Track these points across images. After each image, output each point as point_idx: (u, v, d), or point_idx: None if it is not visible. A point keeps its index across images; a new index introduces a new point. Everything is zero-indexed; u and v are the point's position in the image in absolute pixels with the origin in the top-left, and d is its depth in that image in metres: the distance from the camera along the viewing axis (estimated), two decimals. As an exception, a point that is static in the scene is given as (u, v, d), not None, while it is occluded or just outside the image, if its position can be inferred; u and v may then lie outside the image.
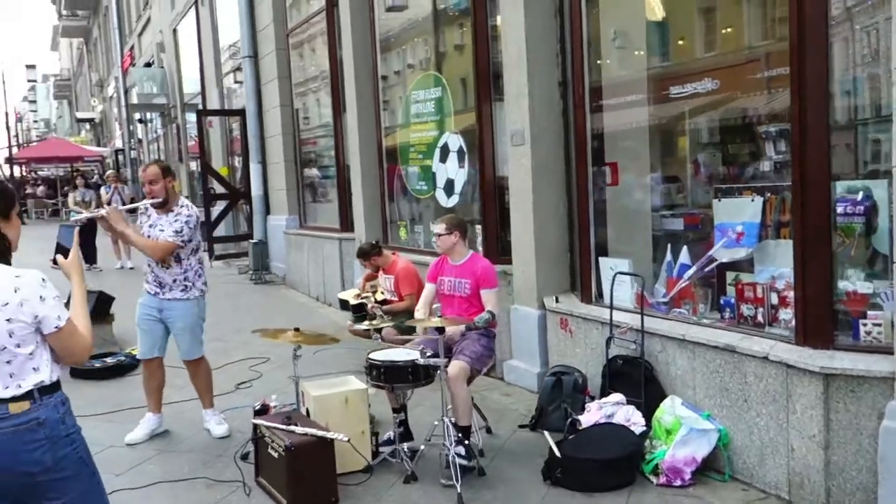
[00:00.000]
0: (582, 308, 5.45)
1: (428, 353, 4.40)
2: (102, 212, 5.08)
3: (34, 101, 52.94)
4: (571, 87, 5.70)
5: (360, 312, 6.95)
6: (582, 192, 5.64)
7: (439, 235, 4.87)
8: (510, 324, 6.27)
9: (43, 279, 2.62)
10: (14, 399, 2.53)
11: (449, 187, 7.38)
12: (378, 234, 8.66)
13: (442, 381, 4.33)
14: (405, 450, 4.51)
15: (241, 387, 6.41)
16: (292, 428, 4.17)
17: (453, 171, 7.30)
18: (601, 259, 5.53)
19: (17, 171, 31.62)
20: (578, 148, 5.63)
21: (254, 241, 12.11)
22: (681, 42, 5.63)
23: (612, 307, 5.05)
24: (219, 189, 13.27)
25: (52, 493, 2.60)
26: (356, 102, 8.77)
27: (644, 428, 4.52)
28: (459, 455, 4.39)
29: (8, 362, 2.53)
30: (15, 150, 32.95)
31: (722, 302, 4.66)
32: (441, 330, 4.29)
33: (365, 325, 5.52)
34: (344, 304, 7.21)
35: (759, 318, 4.35)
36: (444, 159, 7.45)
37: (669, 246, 5.16)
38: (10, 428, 2.52)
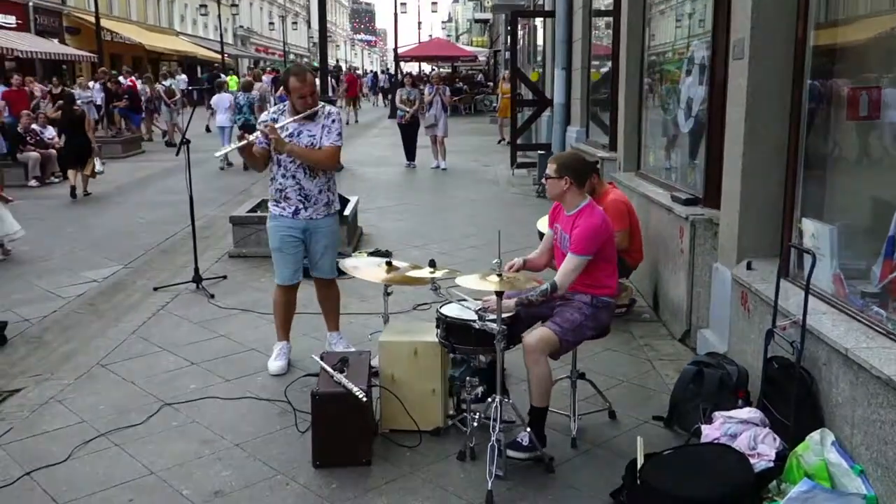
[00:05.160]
0: (764, 283, 4.09)
1: (490, 317, 3.62)
2: (254, 137, 4.76)
3: (435, 3, 58.00)
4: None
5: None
6: (793, 124, 4.15)
7: (548, 178, 3.90)
8: (711, 285, 5.03)
9: None
10: None
11: (688, 108, 6.07)
12: (634, 156, 7.60)
13: (498, 352, 3.55)
14: (474, 418, 3.82)
15: (419, 308, 6.12)
16: (333, 373, 3.77)
17: (693, 88, 5.96)
18: (805, 221, 4.06)
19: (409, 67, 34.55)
20: (795, 63, 4.11)
21: (542, 152, 11.57)
22: None
23: (777, 288, 3.68)
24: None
25: None
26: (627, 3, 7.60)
27: (771, 464, 3.26)
28: (518, 445, 3.64)
29: None
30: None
31: (942, 309, 3.10)
32: (499, 293, 3.47)
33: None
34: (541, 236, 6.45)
35: (967, 346, 2.78)
36: (688, 73, 6.12)
37: (896, 215, 3.55)
38: None
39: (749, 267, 4.37)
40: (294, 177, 4.83)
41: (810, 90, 4.10)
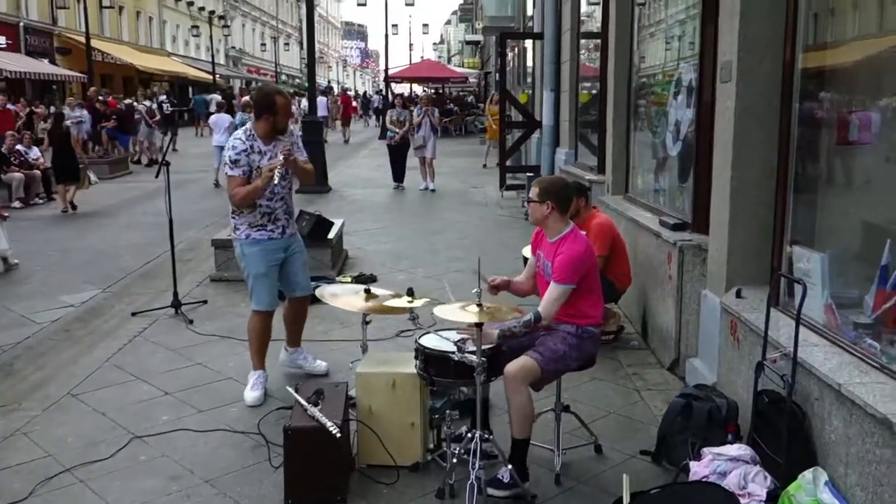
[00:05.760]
0: (754, 312, 3.96)
1: (470, 348, 3.48)
2: (279, 161, 4.59)
3: (426, 25, 58.50)
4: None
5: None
6: (782, 148, 4.06)
7: (529, 202, 3.79)
8: (700, 312, 4.91)
9: None
10: None
11: (676, 130, 5.98)
12: (622, 179, 7.51)
13: (478, 385, 3.41)
14: (454, 453, 3.67)
15: (403, 335, 5.96)
16: (306, 406, 3.62)
17: (681, 110, 5.87)
18: (795, 248, 3.95)
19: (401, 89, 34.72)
20: (783, 85, 4.03)
21: (531, 174, 11.48)
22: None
23: (767, 318, 3.56)
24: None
25: None
26: (615, 21, 7.53)
27: (762, 504, 3.12)
28: (499, 483, 3.49)
29: None
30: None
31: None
32: (478, 324, 3.34)
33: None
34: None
35: (964, 383, 2.66)
36: (676, 95, 6.03)
37: (889, 243, 3.44)
38: None
39: (738, 295, 4.26)
40: (283, 198, 4.86)
41: (799, 113, 4.01)
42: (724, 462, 3.31)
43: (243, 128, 4.87)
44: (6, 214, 8.62)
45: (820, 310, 3.62)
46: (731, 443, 3.63)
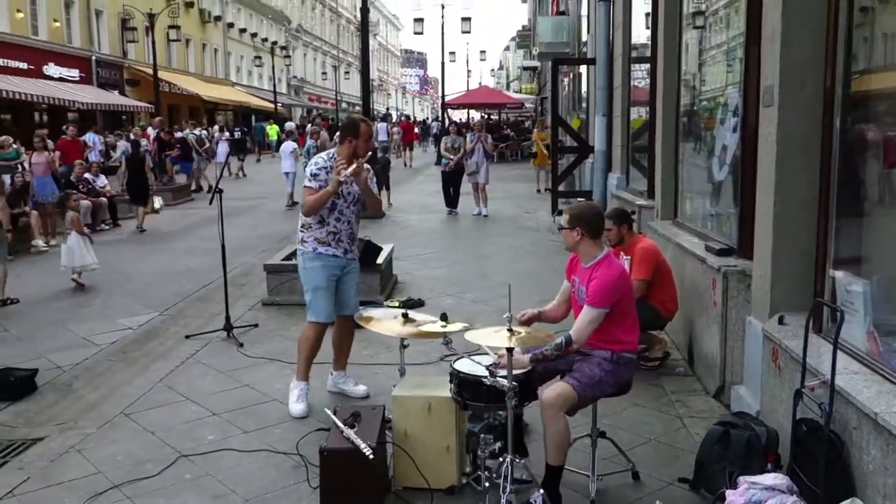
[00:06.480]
0: (795, 339, 3.89)
1: (502, 373, 3.51)
2: (350, 170, 4.84)
3: (483, 51, 58.97)
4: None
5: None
6: (824, 173, 4.00)
7: (561, 229, 3.84)
8: (744, 339, 4.83)
9: None
10: None
11: (722, 155, 5.92)
12: (671, 204, 7.45)
13: (509, 409, 3.43)
14: (487, 476, 3.69)
15: (447, 359, 5.99)
16: (343, 428, 3.69)
17: (727, 135, 5.82)
18: (836, 274, 3.87)
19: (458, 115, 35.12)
20: (825, 108, 3.98)
21: (582, 199, 11.46)
22: None
23: (805, 345, 3.49)
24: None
25: None
26: (664, 46, 7.53)
27: (799, 536, 3.06)
28: (529, 508, 3.49)
29: None
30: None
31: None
32: (509, 349, 3.37)
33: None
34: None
35: None
36: (723, 120, 5.99)
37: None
38: None
39: (781, 321, 4.18)
40: (349, 221, 5.11)
41: (841, 137, 3.95)
42: (760, 491, 3.25)
43: (327, 151, 5.23)
44: (87, 232, 9.47)
45: (862, 337, 3.54)
46: (772, 472, 3.56)
